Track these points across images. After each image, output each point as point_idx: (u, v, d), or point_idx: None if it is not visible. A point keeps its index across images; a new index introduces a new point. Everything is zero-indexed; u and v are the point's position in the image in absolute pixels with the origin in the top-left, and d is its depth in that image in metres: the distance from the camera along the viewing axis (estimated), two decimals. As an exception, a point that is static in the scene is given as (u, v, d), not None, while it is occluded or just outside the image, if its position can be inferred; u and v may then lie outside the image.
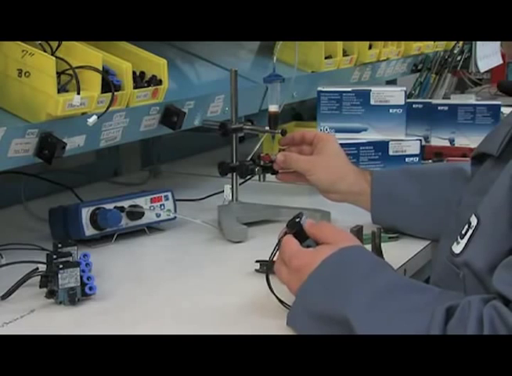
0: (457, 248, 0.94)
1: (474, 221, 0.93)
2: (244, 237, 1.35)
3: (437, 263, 1.08)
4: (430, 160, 1.80)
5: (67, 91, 1.20)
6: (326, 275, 0.95)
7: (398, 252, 1.27)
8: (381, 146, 1.67)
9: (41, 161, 1.19)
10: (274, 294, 1.04)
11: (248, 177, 1.50)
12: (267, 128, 1.44)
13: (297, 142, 1.44)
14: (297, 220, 1.03)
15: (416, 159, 1.67)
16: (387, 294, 0.88)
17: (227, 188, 1.45)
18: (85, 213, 1.30)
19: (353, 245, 0.99)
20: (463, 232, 0.94)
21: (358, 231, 1.20)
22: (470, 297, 0.84)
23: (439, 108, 1.90)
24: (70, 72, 1.19)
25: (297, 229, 1.03)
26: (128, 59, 1.32)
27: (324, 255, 0.96)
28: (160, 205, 1.39)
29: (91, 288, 1.07)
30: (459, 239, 0.94)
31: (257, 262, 1.19)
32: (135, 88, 1.32)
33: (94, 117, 1.21)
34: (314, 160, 1.39)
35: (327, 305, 0.92)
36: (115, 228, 1.33)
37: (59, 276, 1.05)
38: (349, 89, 1.71)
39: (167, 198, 1.41)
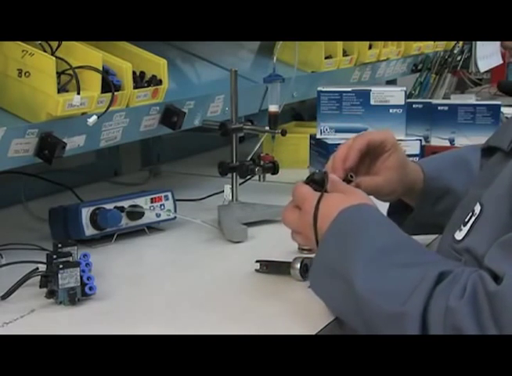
0: (459, 235, 0.95)
1: (477, 209, 0.93)
2: (244, 237, 1.35)
3: (439, 251, 1.08)
4: (430, 161, 1.80)
5: (67, 91, 1.20)
6: (340, 230, 0.98)
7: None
8: (381, 146, 1.66)
9: (41, 161, 1.19)
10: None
11: (248, 177, 1.50)
12: (267, 128, 1.44)
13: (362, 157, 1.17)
14: (320, 171, 1.06)
15: (416, 159, 1.67)
16: (391, 250, 0.92)
17: (227, 188, 1.45)
18: (85, 213, 1.30)
19: (368, 203, 1.01)
20: (466, 219, 0.94)
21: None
22: (466, 267, 0.87)
23: (439, 108, 1.89)
24: (70, 72, 1.19)
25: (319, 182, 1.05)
26: (128, 59, 1.33)
27: (336, 202, 0.99)
28: (160, 205, 1.39)
29: (91, 288, 1.07)
30: (461, 226, 0.95)
31: (257, 262, 1.19)
32: (135, 88, 1.32)
33: (94, 117, 1.21)
34: (386, 180, 1.18)
35: (338, 260, 0.95)
36: (115, 228, 1.33)
37: (59, 276, 1.05)
38: (349, 89, 1.71)
39: (167, 198, 1.41)
